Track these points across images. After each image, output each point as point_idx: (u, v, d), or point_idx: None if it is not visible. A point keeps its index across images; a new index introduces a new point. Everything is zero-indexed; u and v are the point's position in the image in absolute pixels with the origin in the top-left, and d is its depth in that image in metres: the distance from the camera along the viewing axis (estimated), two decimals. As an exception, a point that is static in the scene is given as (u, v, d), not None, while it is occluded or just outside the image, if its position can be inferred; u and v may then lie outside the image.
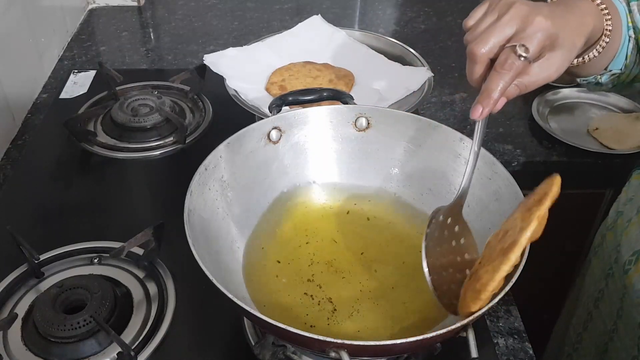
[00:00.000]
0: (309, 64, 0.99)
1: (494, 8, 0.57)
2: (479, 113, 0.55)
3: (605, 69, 0.70)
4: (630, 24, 0.68)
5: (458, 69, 1.21)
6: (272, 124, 0.70)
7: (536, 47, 0.55)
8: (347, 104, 0.74)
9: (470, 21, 0.59)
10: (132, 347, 0.64)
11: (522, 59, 0.54)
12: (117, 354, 0.64)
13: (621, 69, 0.70)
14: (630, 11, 0.68)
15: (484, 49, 0.55)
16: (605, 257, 0.80)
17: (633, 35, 0.68)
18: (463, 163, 0.65)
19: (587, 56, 0.66)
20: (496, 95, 0.54)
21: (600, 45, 0.65)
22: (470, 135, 0.62)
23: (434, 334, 0.47)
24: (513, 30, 0.55)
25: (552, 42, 0.56)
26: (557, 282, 1.19)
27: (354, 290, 0.63)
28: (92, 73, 1.12)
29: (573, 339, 0.88)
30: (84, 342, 0.64)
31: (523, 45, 0.54)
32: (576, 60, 0.66)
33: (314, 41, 1.04)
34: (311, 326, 0.59)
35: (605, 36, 0.64)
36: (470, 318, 0.49)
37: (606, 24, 0.63)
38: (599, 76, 0.71)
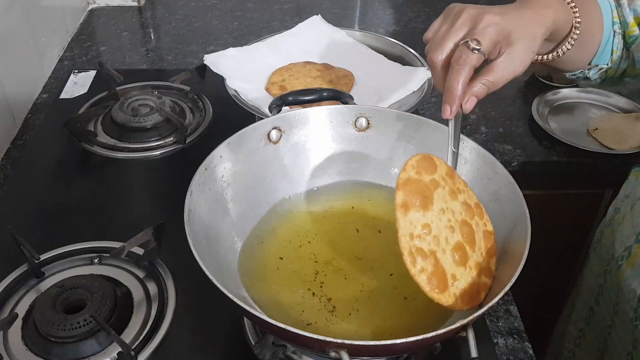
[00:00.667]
0: (309, 64, 0.99)
1: (448, 18, 0.60)
2: (448, 112, 0.58)
3: (590, 63, 0.71)
4: (615, 19, 0.69)
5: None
6: (272, 124, 0.70)
7: (488, 40, 0.57)
8: (347, 104, 0.74)
9: (429, 34, 0.62)
10: (133, 347, 0.64)
11: (476, 52, 0.56)
12: (117, 354, 0.64)
13: (608, 64, 0.71)
14: (619, 5, 0.69)
15: (441, 54, 0.58)
16: (604, 252, 0.81)
17: (619, 30, 0.69)
18: (463, 163, 0.65)
19: (560, 50, 0.67)
20: (458, 91, 0.57)
21: (572, 38, 0.66)
22: (469, 135, 0.62)
23: (433, 333, 0.47)
24: (465, 31, 0.58)
25: (507, 37, 0.58)
26: (557, 282, 1.19)
27: (354, 290, 0.63)
28: (92, 73, 1.12)
29: (574, 334, 0.88)
30: (84, 342, 0.64)
31: (475, 39, 0.56)
32: (551, 54, 0.68)
33: (314, 41, 1.04)
34: (308, 324, 0.59)
35: (575, 28, 0.65)
36: (470, 318, 0.49)
37: (574, 16, 0.65)
38: (586, 71, 0.72)
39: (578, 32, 0.65)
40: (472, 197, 0.59)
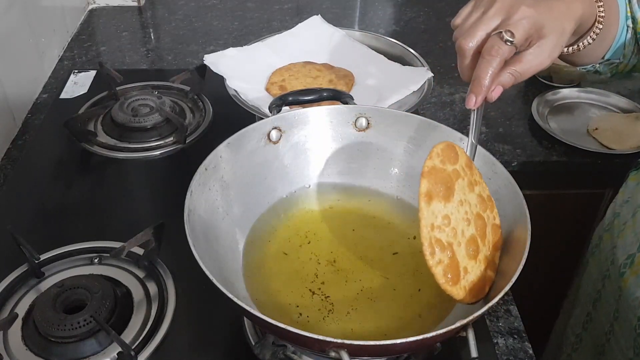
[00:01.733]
0: (309, 64, 0.99)
1: (479, 5, 0.59)
2: (473, 102, 0.57)
3: (603, 57, 0.71)
4: (629, 14, 0.69)
5: (457, 69, 1.22)
6: (272, 124, 0.70)
7: (521, 33, 0.56)
8: (347, 104, 0.74)
9: (458, 20, 0.61)
10: (133, 347, 0.64)
11: (509, 43, 0.55)
12: (117, 354, 0.64)
13: (619, 59, 0.71)
14: (629, 1, 0.69)
15: (472, 42, 0.57)
16: (602, 258, 0.80)
17: (631, 25, 0.69)
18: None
19: (581, 43, 0.67)
20: (487, 82, 0.56)
21: (594, 32, 0.66)
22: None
23: (433, 333, 0.48)
24: (499, 21, 0.57)
25: (539, 30, 0.58)
26: (557, 282, 1.19)
27: (354, 290, 0.63)
28: (93, 73, 1.12)
29: (572, 339, 0.88)
30: (84, 342, 0.64)
31: (509, 31, 0.56)
32: (571, 47, 0.67)
33: (314, 41, 1.04)
34: (307, 323, 0.59)
35: (598, 22, 0.65)
36: (470, 318, 0.49)
37: (599, 11, 0.64)
38: (597, 65, 0.72)
39: (601, 26, 0.65)
40: (485, 189, 0.59)
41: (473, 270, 0.54)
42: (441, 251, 0.52)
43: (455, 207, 0.54)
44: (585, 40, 0.66)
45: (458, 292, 0.53)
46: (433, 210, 0.53)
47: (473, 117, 0.60)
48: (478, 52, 0.57)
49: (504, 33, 0.55)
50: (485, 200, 0.58)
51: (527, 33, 0.56)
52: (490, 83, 0.56)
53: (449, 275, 0.52)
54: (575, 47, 0.67)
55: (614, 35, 0.69)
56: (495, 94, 0.57)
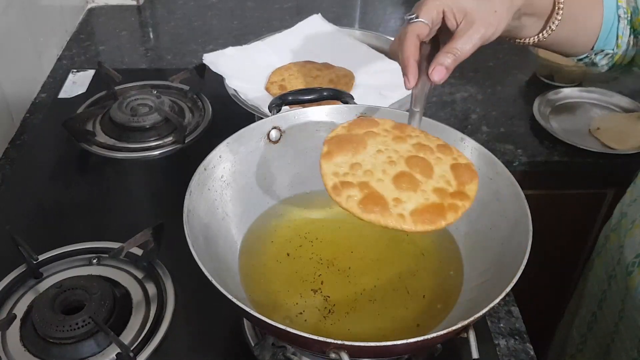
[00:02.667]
0: (309, 64, 0.99)
1: None
2: (406, 83, 0.60)
3: (594, 48, 0.71)
4: (620, 3, 0.69)
5: (459, 68, 1.21)
6: (272, 124, 0.69)
7: (424, 10, 0.58)
8: (347, 103, 0.74)
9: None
10: (131, 348, 0.64)
11: (413, 21, 0.58)
12: (116, 355, 0.63)
13: (613, 49, 0.71)
14: None
15: (393, 45, 0.62)
16: (609, 258, 0.80)
17: (624, 15, 0.69)
18: (464, 163, 0.64)
19: (549, 27, 0.67)
20: (407, 59, 0.59)
21: (557, 13, 0.66)
22: (471, 135, 0.62)
23: (434, 334, 0.47)
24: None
25: (455, 3, 0.59)
26: (558, 282, 1.19)
27: (354, 290, 0.63)
28: (91, 72, 1.12)
29: (577, 339, 0.87)
30: (83, 343, 0.64)
31: (412, 13, 0.59)
32: (541, 34, 0.68)
33: (314, 41, 1.04)
34: (306, 322, 0.59)
35: (559, 2, 0.65)
36: (471, 319, 0.49)
37: None
38: (593, 56, 0.72)
39: (562, 5, 0.65)
40: (433, 140, 0.59)
41: (412, 199, 0.53)
42: (350, 189, 0.53)
43: (371, 156, 0.56)
44: (552, 25, 0.66)
45: (387, 220, 0.52)
46: (336, 162, 0.54)
47: (412, 93, 0.61)
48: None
49: (406, 17, 0.59)
50: (430, 147, 0.58)
51: (432, 8, 0.58)
52: (413, 60, 0.58)
53: (368, 206, 0.52)
54: (543, 33, 0.67)
55: (599, 23, 0.69)
56: (436, 75, 0.58)
